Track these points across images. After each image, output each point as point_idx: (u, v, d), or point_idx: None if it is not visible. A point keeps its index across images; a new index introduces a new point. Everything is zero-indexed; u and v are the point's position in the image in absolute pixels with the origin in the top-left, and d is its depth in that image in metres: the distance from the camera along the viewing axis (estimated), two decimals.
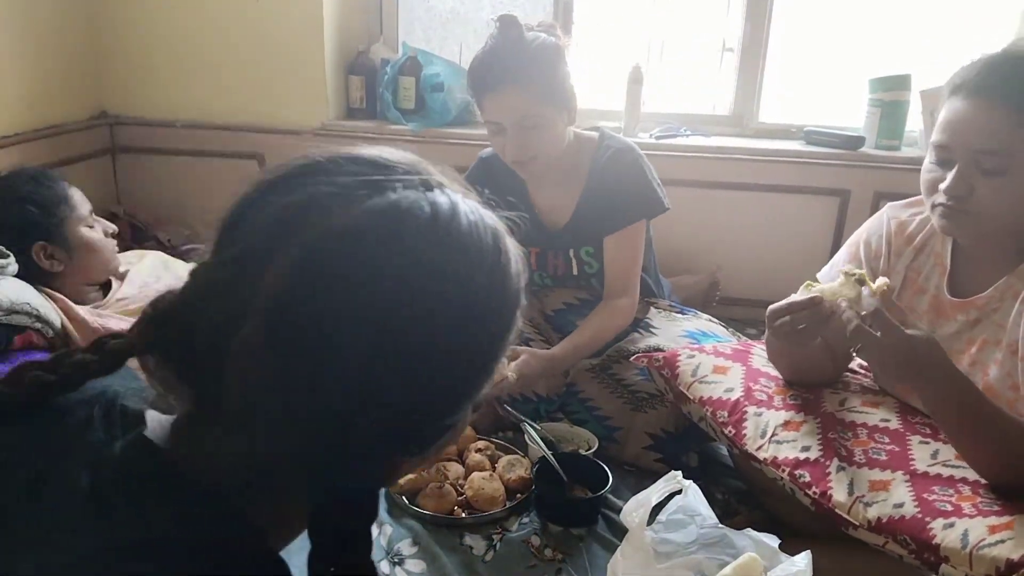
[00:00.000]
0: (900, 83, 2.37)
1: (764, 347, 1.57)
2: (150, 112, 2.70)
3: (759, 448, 1.29)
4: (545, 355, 1.63)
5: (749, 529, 1.17)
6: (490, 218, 0.53)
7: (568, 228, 1.78)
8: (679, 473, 1.24)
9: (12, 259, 1.60)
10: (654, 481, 1.43)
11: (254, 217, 0.51)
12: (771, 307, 1.22)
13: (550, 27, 1.66)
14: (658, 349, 1.66)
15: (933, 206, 1.21)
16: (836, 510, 1.15)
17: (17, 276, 1.60)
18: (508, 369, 1.54)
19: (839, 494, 1.16)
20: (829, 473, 1.19)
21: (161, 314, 0.52)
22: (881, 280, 1.14)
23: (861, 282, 1.14)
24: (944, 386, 1.10)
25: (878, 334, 1.09)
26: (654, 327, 1.76)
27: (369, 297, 0.46)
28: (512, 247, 0.54)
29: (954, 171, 1.15)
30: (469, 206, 0.52)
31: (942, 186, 1.16)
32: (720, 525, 1.18)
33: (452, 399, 0.53)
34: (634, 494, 1.27)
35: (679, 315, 1.82)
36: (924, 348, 1.09)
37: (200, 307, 0.50)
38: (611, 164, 1.71)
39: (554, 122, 1.63)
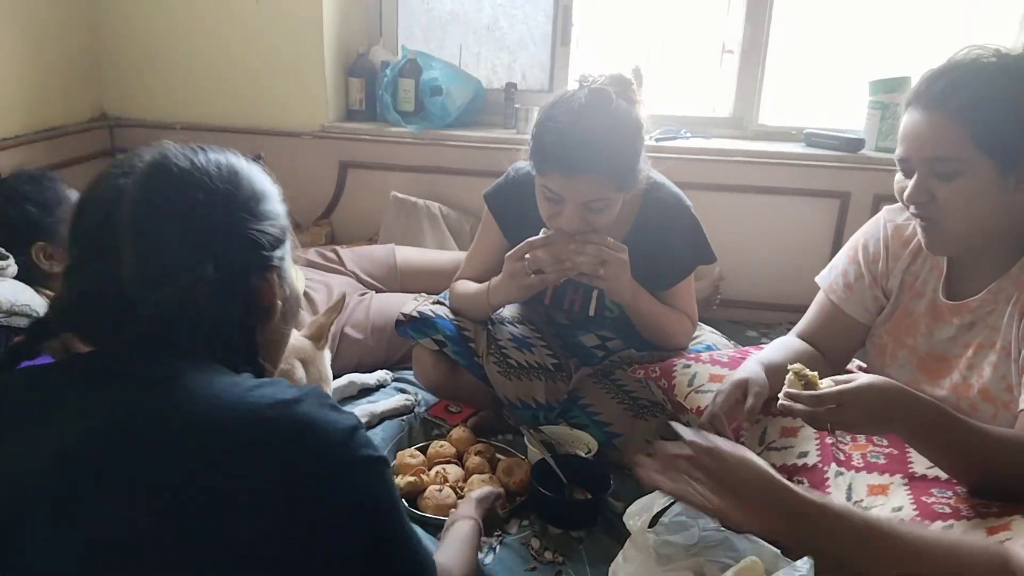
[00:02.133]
0: (900, 85, 2.37)
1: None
2: (150, 114, 2.70)
3: (758, 455, 1.29)
4: (628, 269, 1.53)
5: (750, 534, 1.16)
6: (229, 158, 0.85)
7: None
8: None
9: (11, 260, 1.60)
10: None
11: (86, 224, 0.79)
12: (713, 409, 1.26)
13: (627, 87, 1.55)
14: (661, 360, 1.64)
15: (912, 216, 1.24)
16: None
17: (16, 277, 1.60)
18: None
19: (837, 500, 1.15)
20: (827, 479, 1.19)
21: (63, 312, 0.81)
22: (827, 381, 1.10)
23: (810, 385, 1.10)
24: (914, 423, 1.07)
25: (827, 412, 1.06)
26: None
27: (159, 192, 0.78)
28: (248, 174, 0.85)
29: (913, 180, 1.19)
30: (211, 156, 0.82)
31: (904, 194, 1.20)
32: (722, 528, 1.17)
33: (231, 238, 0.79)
34: (634, 497, 1.27)
35: None
36: (887, 393, 1.06)
37: (81, 281, 0.79)
38: (663, 215, 1.64)
39: (618, 202, 1.53)
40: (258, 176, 0.86)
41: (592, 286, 1.59)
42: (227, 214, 0.78)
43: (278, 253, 0.84)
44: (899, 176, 1.25)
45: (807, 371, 1.11)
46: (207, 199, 0.77)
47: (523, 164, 1.68)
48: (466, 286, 1.74)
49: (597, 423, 1.64)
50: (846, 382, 1.09)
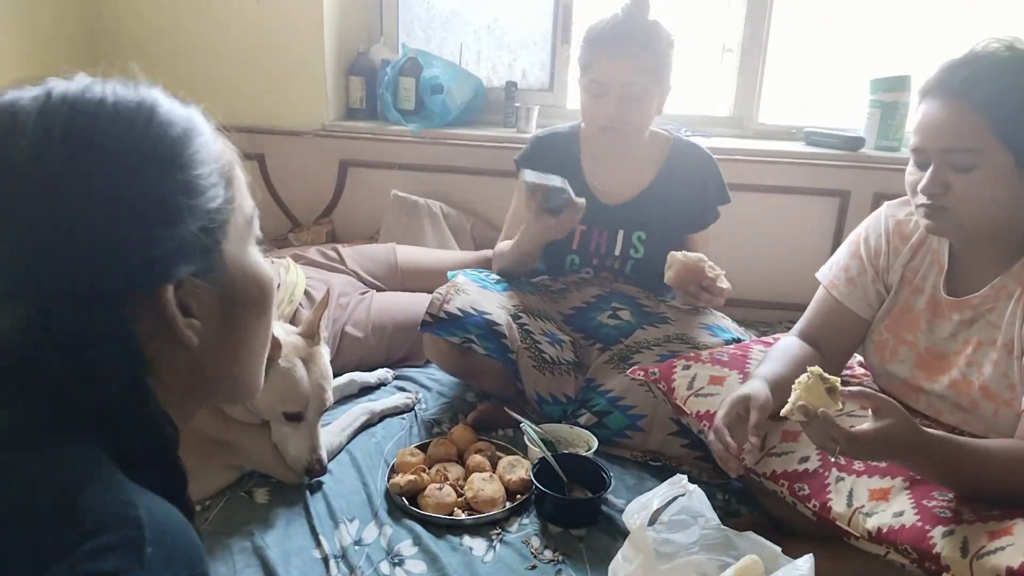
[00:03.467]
0: (900, 84, 2.37)
1: (764, 348, 1.57)
2: None
3: (758, 463, 1.29)
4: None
5: (750, 532, 1.17)
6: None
7: (625, 208, 1.85)
8: (684, 477, 1.24)
9: None
10: (655, 481, 1.43)
11: None
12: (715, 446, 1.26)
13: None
14: (677, 337, 1.70)
15: (917, 207, 1.23)
16: (836, 522, 1.15)
17: None
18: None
19: (838, 505, 1.16)
20: (828, 484, 1.19)
21: None
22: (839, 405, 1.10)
23: (832, 389, 1.08)
24: (928, 459, 1.08)
25: (841, 446, 1.06)
26: (671, 319, 1.77)
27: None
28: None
29: (929, 171, 1.18)
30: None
31: (919, 186, 1.20)
32: (723, 527, 1.18)
33: (128, 219, 0.54)
34: (634, 494, 1.27)
35: (693, 312, 1.83)
36: (899, 438, 1.06)
37: None
38: (693, 161, 1.85)
39: (652, 99, 1.74)
40: (146, 115, 0.57)
41: (620, 224, 1.84)
42: (65, 209, 0.52)
43: (185, 257, 0.56)
44: (911, 168, 1.24)
45: (827, 376, 1.09)
46: (26, 181, 0.52)
47: (544, 130, 1.95)
48: (503, 245, 1.89)
49: (620, 407, 1.65)
50: (864, 396, 1.08)
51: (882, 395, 1.09)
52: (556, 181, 1.66)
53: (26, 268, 0.52)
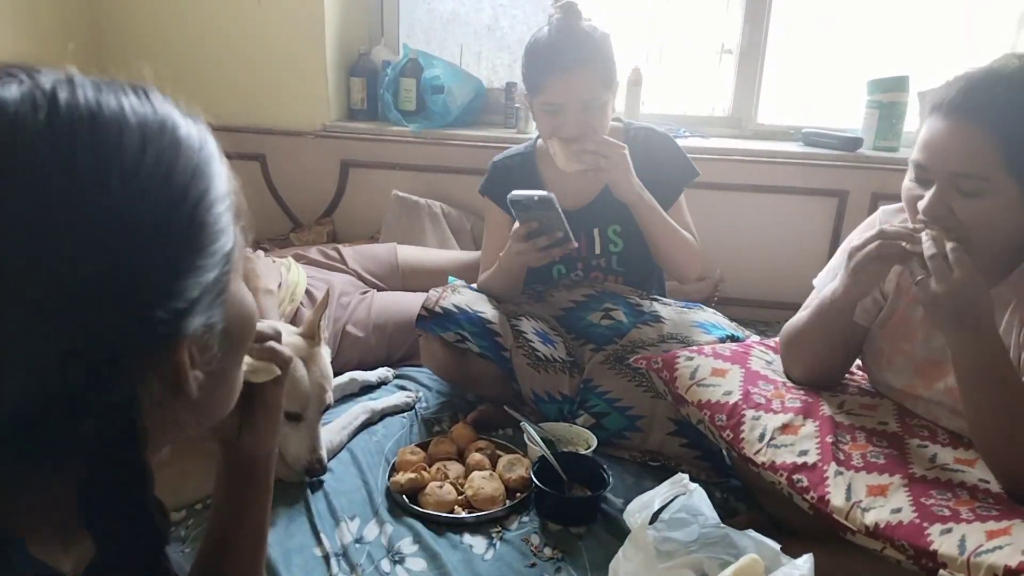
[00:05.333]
0: (898, 84, 2.38)
1: (765, 348, 1.58)
2: None
3: (757, 452, 1.29)
4: (628, 161, 1.68)
5: (751, 530, 1.18)
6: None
7: (593, 207, 1.84)
8: (685, 476, 1.25)
9: None
10: (653, 481, 1.44)
11: None
12: (854, 244, 1.22)
13: (590, 19, 1.75)
14: (672, 336, 1.69)
15: (916, 221, 1.21)
16: (834, 515, 1.16)
17: None
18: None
19: (837, 499, 1.16)
20: (827, 478, 1.19)
21: None
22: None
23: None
24: (981, 344, 1.10)
25: (954, 272, 1.09)
26: (664, 318, 1.77)
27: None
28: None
29: (932, 192, 1.15)
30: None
31: (920, 205, 1.17)
32: (722, 525, 1.18)
33: (133, 280, 0.45)
34: (632, 493, 1.27)
35: (685, 310, 1.84)
36: (982, 302, 1.09)
37: None
38: (645, 144, 1.82)
39: (608, 104, 1.72)
40: (171, 150, 0.49)
41: (592, 224, 1.81)
42: (80, 263, 0.43)
43: (201, 308, 0.50)
44: (910, 181, 1.21)
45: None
46: (29, 223, 0.42)
47: (499, 155, 1.93)
48: (485, 278, 1.86)
49: (618, 408, 1.65)
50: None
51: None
52: (542, 194, 1.61)
53: (38, 328, 0.42)
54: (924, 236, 1.13)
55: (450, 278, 1.97)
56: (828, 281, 1.43)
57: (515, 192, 1.62)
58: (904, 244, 1.16)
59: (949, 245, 1.10)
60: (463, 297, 1.78)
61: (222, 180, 0.52)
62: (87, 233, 0.43)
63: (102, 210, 0.43)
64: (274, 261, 2.05)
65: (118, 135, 0.46)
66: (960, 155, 1.12)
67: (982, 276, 1.17)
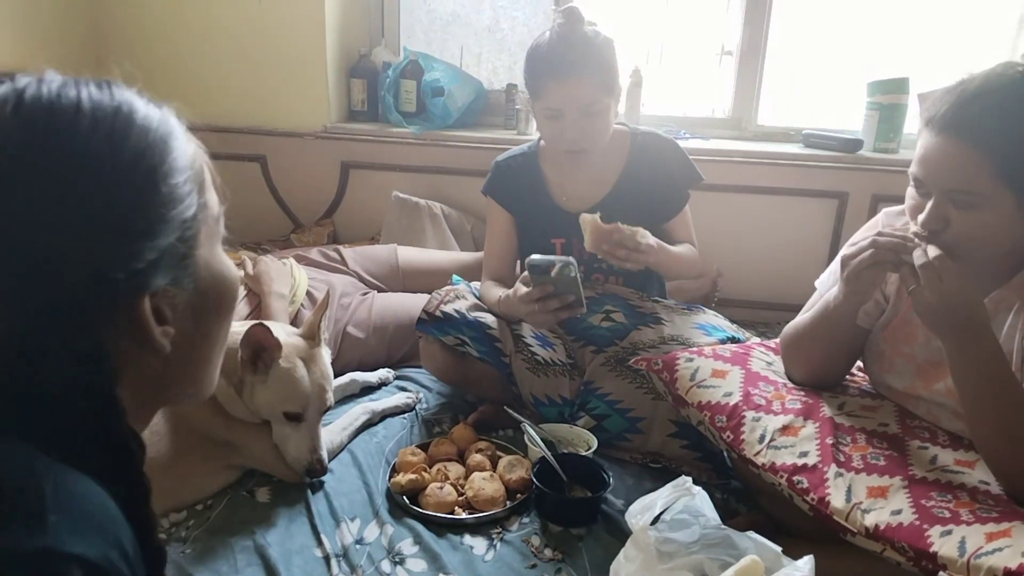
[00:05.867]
0: (898, 86, 2.38)
1: (765, 349, 1.58)
2: None
3: (757, 454, 1.29)
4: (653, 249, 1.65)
5: (751, 532, 1.18)
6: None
7: (595, 210, 1.77)
8: (688, 479, 1.24)
9: None
10: (653, 482, 1.44)
11: None
12: (846, 252, 1.22)
13: (595, 24, 1.74)
14: (673, 339, 1.69)
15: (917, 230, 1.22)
16: (834, 517, 1.16)
17: None
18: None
19: (837, 500, 1.16)
20: (827, 479, 1.20)
21: None
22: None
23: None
24: (977, 349, 1.11)
25: (943, 281, 1.10)
26: (664, 320, 1.78)
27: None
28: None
29: (929, 205, 1.17)
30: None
31: (919, 218, 1.18)
32: (723, 526, 1.18)
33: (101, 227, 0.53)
34: (633, 494, 1.28)
35: (686, 311, 1.84)
36: (975, 307, 1.11)
37: None
38: (656, 151, 1.82)
39: (609, 110, 1.71)
40: (124, 123, 0.56)
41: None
42: (41, 224, 0.51)
43: (160, 268, 0.56)
44: (911, 191, 1.22)
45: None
46: (17, 183, 0.51)
47: (503, 155, 1.91)
48: (489, 294, 1.82)
49: (619, 410, 1.65)
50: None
51: None
52: (564, 259, 1.56)
53: (3, 284, 0.50)
54: (913, 245, 1.15)
55: (454, 277, 1.97)
56: (830, 283, 1.43)
57: (534, 256, 1.56)
58: (898, 252, 1.17)
59: (934, 253, 1.12)
60: (465, 303, 1.79)
61: (182, 154, 0.58)
62: (44, 200, 0.51)
63: (57, 182, 0.51)
64: (284, 263, 2.06)
65: (72, 118, 0.53)
66: (953, 172, 1.13)
67: (987, 279, 1.18)
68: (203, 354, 0.66)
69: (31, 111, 0.52)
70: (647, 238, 1.61)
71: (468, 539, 1.39)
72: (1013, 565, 0.95)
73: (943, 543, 1.03)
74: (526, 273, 1.60)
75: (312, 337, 1.54)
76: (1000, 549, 0.98)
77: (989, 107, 1.10)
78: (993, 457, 1.13)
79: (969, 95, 1.12)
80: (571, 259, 1.55)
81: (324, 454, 1.51)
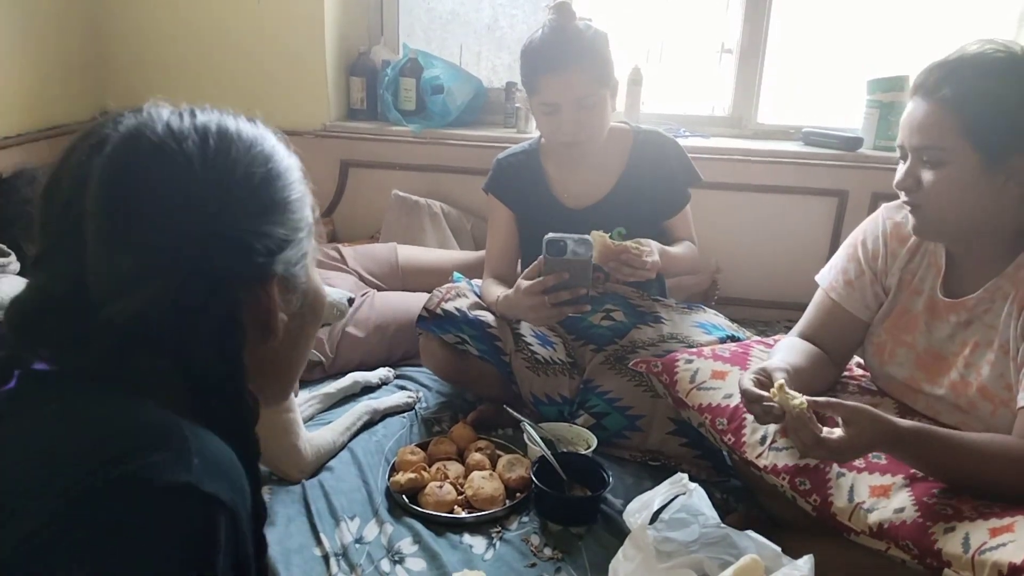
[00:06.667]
0: (898, 84, 2.38)
1: (764, 347, 1.58)
2: None
3: (759, 456, 1.29)
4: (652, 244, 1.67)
5: (751, 531, 1.17)
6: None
7: (598, 209, 1.83)
8: (684, 476, 1.24)
9: (13, 257, 1.61)
10: (653, 481, 1.44)
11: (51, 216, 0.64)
12: (745, 389, 1.23)
13: (588, 19, 1.77)
14: (672, 337, 1.69)
15: (904, 204, 1.28)
16: (837, 517, 1.16)
17: (19, 274, 1.61)
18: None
19: (839, 500, 1.17)
20: (829, 479, 1.20)
21: (21, 316, 0.63)
22: (797, 400, 1.12)
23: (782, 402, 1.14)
24: (906, 452, 1.12)
25: (803, 443, 1.12)
26: (664, 319, 1.77)
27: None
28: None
29: (902, 166, 1.23)
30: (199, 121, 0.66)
31: (895, 179, 1.24)
32: (722, 525, 1.18)
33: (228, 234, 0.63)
34: (632, 493, 1.27)
35: (686, 310, 1.84)
36: (867, 443, 1.10)
37: (49, 284, 0.63)
38: (659, 150, 1.83)
39: (605, 103, 1.72)
40: (267, 149, 0.68)
41: (596, 225, 1.72)
42: (207, 206, 0.62)
43: (285, 257, 0.66)
44: (900, 165, 1.27)
45: (794, 392, 1.13)
46: (181, 184, 0.61)
47: (504, 152, 1.92)
48: (489, 293, 1.81)
49: (618, 408, 1.65)
50: (831, 406, 1.12)
51: (850, 403, 1.12)
52: (582, 237, 1.57)
53: (176, 249, 0.60)
54: (769, 419, 1.17)
55: (455, 274, 1.97)
56: (830, 278, 1.44)
57: (551, 234, 1.57)
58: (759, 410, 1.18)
59: (773, 430, 1.17)
60: (466, 301, 1.79)
61: (298, 178, 0.71)
62: (217, 192, 0.62)
63: (224, 182, 0.63)
64: None
65: (235, 139, 0.66)
66: (922, 129, 1.19)
67: (987, 266, 1.22)
68: (294, 356, 0.76)
69: (203, 133, 0.64)
70: (652, 255, 1.62)
71: (467, 538, 1.39)
72: (1018, 560, 0.95)
73: (947, 540, 1.03)
74: (541, 257, 1.59)
75: None
76: (1004, 544, 0.98)
77: (955, 69, 1.17)
78: (982, 495, 1.12)
79: (939, 61, 1.19)
80: (588, 237, 1.56)
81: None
